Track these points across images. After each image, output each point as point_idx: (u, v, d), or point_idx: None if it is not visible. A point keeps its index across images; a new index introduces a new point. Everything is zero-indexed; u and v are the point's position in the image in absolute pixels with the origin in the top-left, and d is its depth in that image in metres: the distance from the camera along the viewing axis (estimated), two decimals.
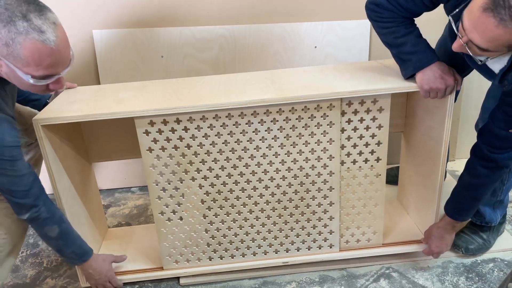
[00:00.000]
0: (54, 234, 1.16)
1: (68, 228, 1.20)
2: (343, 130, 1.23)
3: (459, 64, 1.21)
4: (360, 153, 1.27)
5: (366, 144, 1.26)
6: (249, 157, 1.24)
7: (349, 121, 1.22)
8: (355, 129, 1.23)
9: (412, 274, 1.39)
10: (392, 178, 1.75)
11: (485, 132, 1.17)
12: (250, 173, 1.26)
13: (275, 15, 1.72)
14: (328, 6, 1.72)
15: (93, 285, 1.32)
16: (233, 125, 1.19)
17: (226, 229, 1.33)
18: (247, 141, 1.22)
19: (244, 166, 1.25)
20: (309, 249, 1.39)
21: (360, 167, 1.29)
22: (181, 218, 1.31)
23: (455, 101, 1.24)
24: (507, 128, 1.11)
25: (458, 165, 1.92)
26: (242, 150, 1.23)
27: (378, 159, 1.28)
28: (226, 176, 1.26)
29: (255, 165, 1.25)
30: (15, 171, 1.05)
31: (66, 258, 1.25)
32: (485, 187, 1.23)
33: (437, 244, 1.34)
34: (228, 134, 1.20)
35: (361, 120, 1.22)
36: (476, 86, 1.84)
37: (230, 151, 1.22)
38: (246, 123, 1.19)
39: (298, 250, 1.39)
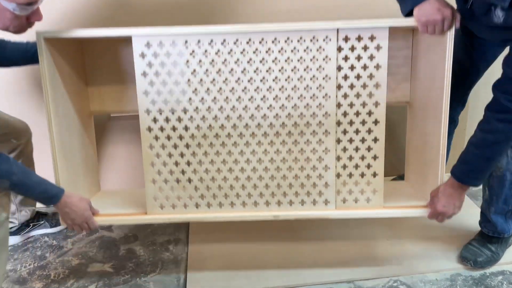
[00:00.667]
0: (6, 186, 1.13)
1: (22, 179, 1.13)
2: (339, 68, 1.21)
3: (468, 73, 1.36)
4: (358, 95, 1.23)
5: (364, 86, 1.22)
6: (242, 90, 1.22)
7: (346, 58, 1.20)
8: (352, 67, 1.21)
9: (420, 287, 1.33)
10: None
11: (501, 82, 1.13)
12: (243, 109, 1.23)
13: None
14: None
15: (70, 225, 1.26)
16: (228, 53, 1.19)
17: (216, 171, 1.28)
18: (241, 72, 1.21)
19: (237, 100, 1.23)
20: (302, 204, 1.30)
21: (357, 111, 1.24)
22: (170, 155, 1.27)
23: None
24: None
25: None
26: (235, 82, 1.22)
27: (376, 104, 1.23)
28: (219, 110, 1.24)
29: (248, 99, 1.23)
30: None
31: (36, 201, 1.23)
32: (500, 145, 1.16)
33: (444, 203, 1.23)
34: (222, 63, 1.20)
35: (358, 58, 1.20)
36: (483, 97, 1.79)
37: (223, 82, 1.22)
38: (241, 52, 1.19)
39: (290, 204, 1.30)
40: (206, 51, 1.19)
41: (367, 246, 1.52)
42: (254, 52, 1.19)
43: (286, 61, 1.20)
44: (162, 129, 1.25)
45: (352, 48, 1.19)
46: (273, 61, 1.20)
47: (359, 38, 1.18)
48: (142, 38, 1.19)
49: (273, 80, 1.21)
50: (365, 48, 1.19)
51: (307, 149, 1.26)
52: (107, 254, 1.54)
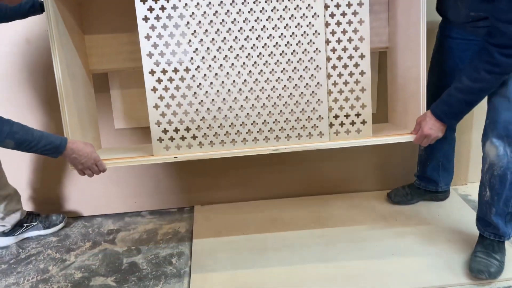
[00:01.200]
0: (12, 146, 1.19)
1: (23, 136, 1.20)
2: (326, 7, 1.32)
3: (451, 73, 1.45)
4: (344, 32, 1.34)
5: (349, 22, 1.34)
6: (238, 30, 1.31)
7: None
8: (337, 5, 1.32)
9: None
10: (401, 198, 1.84)
11: (494, 35, 1.18)
12: (240, 48, 1.32)
13: None
14: None
15: (80, 170, 1.32)
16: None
17: (217, 111, 1.36)
18: (237, 13, 1.30)
19: (233, 40, 1.32)
20: (299, 138, 1.40)
21: (345, 46, 1.35)
22: (172, 97, 1.34)
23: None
24: None
25: (470, 189, 1.96)
26: (231, 22, 1.31)
27: (361, 39, 1.35)
28: (217, 51, 1.32)
29: (244, 39, 1.32)
30: None
31: (44, 155, 1.27)
32: (484, 93, 1.28)
33: (430, 126, 1.34)
34: (219, 5, 1.29)
35: None
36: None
37: (220, 23, 1.30)
38: (242, 3, 1.29)
39: (288, 139, 1.40)
40: (210, 3, 1.28)
41: (373, 263, 1.48)
42: None
43: (277, 1, 1.30)
44: (164, 71, 1.33)
45: None
46: (265, 2, 1.30)
47: None
48: None
49: (267, 19, 1.31)
50: (349, 5, 1.31)
51: (300, 84, 1.36)
52: (110, 267, 1.54)
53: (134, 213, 1.90)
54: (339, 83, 1.38)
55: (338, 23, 1.34)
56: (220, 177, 1.89)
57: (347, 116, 1.40)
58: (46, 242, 1.70)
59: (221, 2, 1.29)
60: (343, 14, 1.33)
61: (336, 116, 1.40)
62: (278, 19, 1.31)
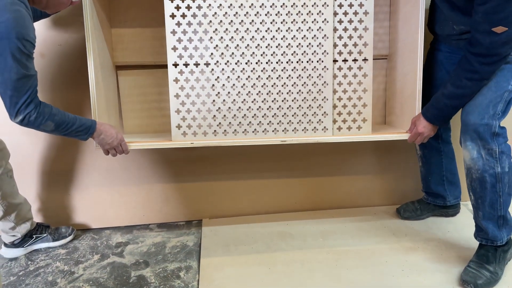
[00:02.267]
0: (51, 128, 1.29)
1: (61, 118, 1.30)
2: (335, 14, 1.47)
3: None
4: (350, 37, 1.49)
5: (355, 29, 1.48)
6: (255, 31, 1.45)
7: (340, 5, 1.46)
8: (345, 13, 1.47)
9: None
10: (410, 213, 1.84)
11: (473, 45, 1.29)
12: (255, 47, 1.46)
13: None
14: None
15: (107, 150, 1.44)
16: None
17: (231, 102, 1.49)
18: (255, 15, 1.44)
19: (250, 39, 1.46)
20: (305, 131, 1.53)
21: (350, 51, 1.50)
22: (192, 88, 1.48)
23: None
24: (491, 26, 1.22)
25: None
26: (250, 23, 1.45)
27: (365, 44, 1.49)
28: (235, 48, 1.46)
29: (260, 39, 1.46)
30: (28, 69, 1.20)
31: (75, 137, 1.37)
32: (466, 98, 1.37)
33: (424, 124, 1.47)
34: (238, 7, 1.43)
35: (351, 5, 1.46)
36: None
37: (239, 23, 1.45)
38: None
39: (295, 132, 1.53)
40: (231, 5, 1.43)
41: (382, 280, 1.46)
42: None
43: (292, 6, 1.44)
44: (186, 64, 1.46)
45: None
46: (281, 6, 1.44)
47: None
48: None
49: (281, 22, 1.45)
50: None
51: (309, 82, 1.50)
52: (118, 280, 1.52)
53: (142, 226, 1.91)
54: (344, 83, 1.52)
55: (345, 29, 1.48)
56: (228, 190, 1.92)
57: (349, 113, 1.54)
58: (54, 254, 1.70)
59: (241, 4, 1.43)
60: (350, 21, 1.48)
61: (339, 113, 1.54)
62: (292, 22, 1.46)
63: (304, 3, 1.45)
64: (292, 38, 1.47)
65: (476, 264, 1.42)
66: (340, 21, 1.47)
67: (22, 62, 1.18)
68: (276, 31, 1.46)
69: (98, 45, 1.48)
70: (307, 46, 1.48)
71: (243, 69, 1.48)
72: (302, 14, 1.45)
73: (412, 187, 1.95)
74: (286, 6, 1.44)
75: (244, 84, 1.49)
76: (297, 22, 1.46)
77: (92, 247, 1.74)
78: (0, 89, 1.20)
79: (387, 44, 1.74)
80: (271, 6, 1.44)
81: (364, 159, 1.93)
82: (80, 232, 1.86)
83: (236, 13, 1.44)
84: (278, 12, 1.45)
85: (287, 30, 1.46)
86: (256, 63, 1.48)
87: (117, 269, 1.59)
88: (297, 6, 1.45)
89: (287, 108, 1.51)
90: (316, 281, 1.46)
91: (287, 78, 1.49)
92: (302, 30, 1.47)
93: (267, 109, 1.51)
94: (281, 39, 1.47)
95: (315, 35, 1.47)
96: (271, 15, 1.45)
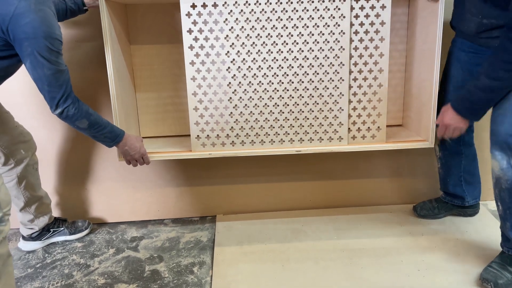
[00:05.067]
0: (85, 126, 1.34)
1: (96, 119, 1.36)
2: (351, 25, 1.47)
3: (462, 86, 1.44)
4: (366, 48, 1.49)
5: (371, 39, 1.48)
6: (271, 44, 1.46)
7: (356, 16, 1.46)
8: (361, 24, 1.47)
9: None
10: (427, 212, 1.82)
11: (509, 28, 1.21)
12: (272, 60, 1.48)
13: None
14: None
15: (128, 160, 1.50)
16: (260, 12, 1.43)
17: (249, 114, 1.53)
18: (271, 28, 1.45)
19: (267, 52, 1.47)
20: (320, 141, 1.57)
21: (365, 61, 1.50)
22: (210, 101, 1.51)
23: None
24: None
25: None
26: (266, 37, 1.46)
27: (381, 55, 1.50)
28: (252, 61, 1.48)
29: (277, 52, 1.47)
30: (59, 64, 1.25)
31: (102, 142, 1.43)
32: (503, 91, 1.30)
33: (451, 116, 1.41)
34: (255, 21, 1.44)
35: (367, 16, 1.46)
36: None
37: (256, 37, 1.46)
38: (271, 11, 1.43)
39: (310, 142, 1.57)
40: (242, 10, 1.43)
41: (398, 279, 1.46)
42: (282, 11, 1.43)
43: (308, 18, 1.45)
44: (204, 78, 1.49)
45: (362, 8, 1.45)
46: (297, 19, 1.44)
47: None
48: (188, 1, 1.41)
49: (297, 35, 1.46)
50: (372, 7, 1.45)
51: (324, 94, 1.52)
52: (132, 274, 1.56)
53: (157, 221, 1.95)
54: (359, 93, 1.53)
55: (361, 40, 1.48)
56: (242, 187, 1.94)
57: (364, 123, 1.56)
58: (71, 247, 1.75)
59: (257, 18, 1.44)
60: (366, 32, 1.48)
61: (354, 123, 1.56)
62: (308, 35, 1.46)
63: (321, 15, 1.44)
64: (308, 51, 1.48)
65: (498, 265, 1.41)
66: (356, 32, 1.47)
67: (52, 59, 1.23)
68: (293, 43, 1.47)
69: (116, 57, 1.51)
70: (324, 58, 1.49)
71: (260, 81, 1.50)
72: (318, 27, 1.46)
73: (429, 186, 1.96)
74: (302, 19, 1.44)
75: (260, 96, 1.52)
76: (313, 35, 1.46)
77: (108, 241, 1.80)
78: (38, 85, 1.26)
79: (404, 53, 1.73)
80: (281, 11, 1.44)
81: (379, 160, 1.95)
82: (96, 226, 1.92)
83: (247, 18, 1.45)
84: (295, 25, 1.45)
85: (303, 43, 1.47)
86: (273, 75, 1.50)
87: (132, 263, 1.63)
88: (313, 19, 1.45)
89: (303, 119, 1.54)
90: (329, 279, 1.47)
91: (303, 90, 1.51)
92: (318, 42, 1.47)
93: (284, 120, 1.54)
94: (298, 51, 1.48)
95: (331, 47, 1.48)
96: (287, 28, 1.45)
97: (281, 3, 1.42)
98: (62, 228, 1.78)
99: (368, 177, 1.97)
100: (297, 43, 1.47)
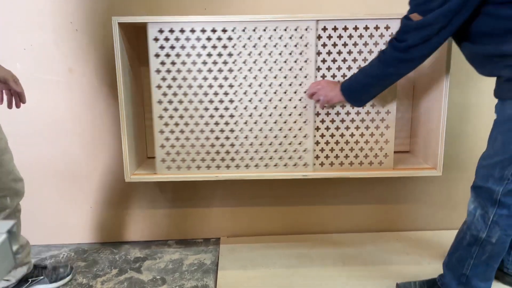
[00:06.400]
0: None
1: None
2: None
3: None
4: (334, 77, 1.49)
5: (339, 68, 1.48)
6: (238, 70, 1.47)
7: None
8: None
9: None
10: None
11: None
12: (238, 85, 1.49)
13: None
14: None
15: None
16: (227, 39, 1.44)
17: (215, 138, 1.53)
18: (237, 55, 1.46)
19: (233, 78, 1.48)
20: (286, 166, 1.56)
21: None
22: (176, 124, 1.52)
23: None
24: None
25: None
26: (232, 63, 1.47)
27: None
28: (218, 86, 1.49)
29: (243, 78, 1.48)
30: None
31: None
32: (372, 78, 1.30)
33: (326, 85, 1.42)
34: (222, 47, 1.45)
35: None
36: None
37: (222, 63, 1.47)
38: (237, 38, 1.44)
39: (276, 167, 1.56)
40: (208, 37, 1.44)
41: None
42: (248, 39, 1.44)
43: (274, 46, 1.45)
44: (170, 102, 1.50)
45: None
46: (263, 46, 1.45)
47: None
48: (156, 24, 1.43)
49: (263, 62, 1.47)
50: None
51: (290, 120, 1.52)
52: None
53: (161, 242, 1.95)
54: (367, 119, 1.53)
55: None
56: (247, 209, 1.94)
57: (371, 149, 1.56)
58: (74, 267, 1.74)
59: (224, 44, 1.45)
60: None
61: (361, 149, 1.55)
62: (274, 62, 1.47)
63: (287, 43, 1.45)
64: (274, 77, 1.48)
65: (420, 284, 1.43)
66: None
67: None
68: (259, 70, 1.48)
69: (127, 81, 1.55)
70: (289, 85, 1.49)
71: (226, 106, 1.51)
72: (284, 54, 1.46)
73: (433, 213, 1.97)
74: (265, 47, 1.45)
75: (226, 121, 1.52)
76: (279, 69, 1.47)
77: (111, 261, 1.80)
78: None
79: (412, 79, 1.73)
80: (248, 38, 1.45)
81: (386, 187, 1.94)
82: (100, 245, 1.94)
83: (214, 45, 1.46)
84: (261, 52, 1.46)
85: (269, 70, 1.48)
86: (239, 100, 1.50)
87: (134, 285, 1.62)
88: (279, 46, 1.45)
89: (269, 144, 1.54)
90: None
91: (269, 115, 1.52)
92: (284, 70, 1.48)
93: (249, 145, 1.54)
94: (263, 78, 1.48)
95: (297, 74, 1.48)
96: (254, 54, 1.46)
97: (247, 30, 1.44)
98: (42, 277, 1.67)
99: (376, 203, 1.96)
100: (263, 70, 1.47)
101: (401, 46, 1.18)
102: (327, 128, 1.54)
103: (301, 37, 1.44)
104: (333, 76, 1.49)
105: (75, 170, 1.86)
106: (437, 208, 1.98)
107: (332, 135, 1.54)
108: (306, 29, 1.44)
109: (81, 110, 1.79)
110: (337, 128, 1.54)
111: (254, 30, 1.44)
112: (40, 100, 1.76)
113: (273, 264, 1.72)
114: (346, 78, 1.42)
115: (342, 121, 1.53)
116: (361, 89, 1.35)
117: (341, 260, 1.74)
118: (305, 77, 1.48)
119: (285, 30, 1.44)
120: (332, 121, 1.53)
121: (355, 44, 1.46)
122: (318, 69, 1.48)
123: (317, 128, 1.53)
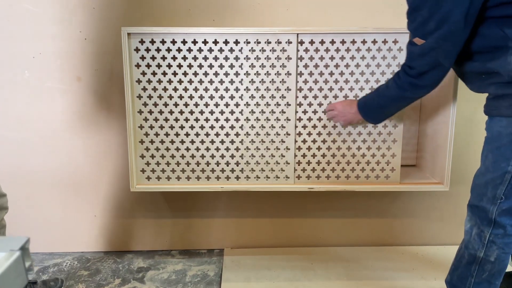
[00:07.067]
0: None
1: None
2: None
3: None
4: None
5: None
6: (219, 81, 1.48)
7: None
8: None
9: None
10: None
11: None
12: (219, 97, 1.49)
13: None
14: None
15: None
16: (207, 50, 1.45)
17: (195, 149, 1.53)
18: (218, 66, 1.47)
19: (214, 89, 1.48)
20: (267, 179, 1.56)
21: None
22: (156, 134, 1.51)
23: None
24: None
25: None
26: (213, 74, 1.47)
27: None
28: (199, 97, 1.49)
29: (224, 90, 1.48)
30: None
31: None
32: (389, 99, 1.31)
33: (342, 109, 1.44)
34: (202, 58, 1.46)
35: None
36: None
37: (203, 74, 1.47)
38: (218, 50, 1.45)
39: (257, 179, 1.56)
40: (189, 48, 1.45)
41: None
42: (229, 50, 1.45)
43: (255, 58, 1.46)
44: (151, 112, 1.50)
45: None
46: (244, 58, 1.46)
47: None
48: (137, 35, 1.44)
49: (244, 74, 1.47)
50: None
51: (271, 132, 1.52)
52: None
53: (164, 252, 1.94)
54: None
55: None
56: (251, 220, 1.93)
57: (378, 163, 1.55)
58: (77, 275, 1.74)
59: (205, 56, 1.46)
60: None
61: (367, 162, 1.55)
62: (254, 74, 1.47)
63: (267, 56, 1.46)
64: (255, 90, 1.49)
65: None
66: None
67: None
68: (240, 82, 1.48)
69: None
70: (270, 97, 1.49)
71: (207, 118, 1.51)
72: (265, 66, 1.47)
73: (443, 227, 1.97)
74: (249, 58, 1.46)
75: (207, 132, 1.52)
76: (259, 81, 1.48)
77: (114, 271, 1.78)
78: None
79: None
80: (234, 58, 1.46)
81: (390, 201, 1.94)
82: (103, 254, 1.92)
83: (195, 56, 1.47)
84: (242, 64, 1.47)
85: (250, 82, 1.48)
86: (220, 112, 1.50)
87: None
88: (260, 59, 1.46)
89: (250, 156, 1.54)
90: None
91: (250, 127, 1.52)
92: (264, 82, 1.49)
93: (230, 156, 1.54)
94: (244, 90, 1.49)
95: (277, 87, 1.49)
96: (234, 66, 1.47)
97: (228, 42, 1.45)
98: None
99: (382, 217, 1.95)
100: (244, 82, 1.48)
101: (413, 73, 1.19)
102: (334, 141, 1.54)
103: (281, 50, 1.46)
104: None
105: (80, 179, 1.85)
106: (444, 223, 1.97)
107: (339, 148, 1.54)
108: (287, 42, 1.45)
109: (88, 119, 1.78)
110: (344, 141, 1.54)
111: (234, 42, 1.45)
112: (47, 108, 1.76)
113: (277, 277, 1.70)
114: (361, 96, 1.44)
115: (349, 134, 1.53)
116: (378, 109, 1.37)
117: (345, 274, 1.72)
118: (286, 89, 1.49)
119: (266, 43, 1.45)
120: (339, 134, 1.53)
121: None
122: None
123: (324, 141, 1.54)
